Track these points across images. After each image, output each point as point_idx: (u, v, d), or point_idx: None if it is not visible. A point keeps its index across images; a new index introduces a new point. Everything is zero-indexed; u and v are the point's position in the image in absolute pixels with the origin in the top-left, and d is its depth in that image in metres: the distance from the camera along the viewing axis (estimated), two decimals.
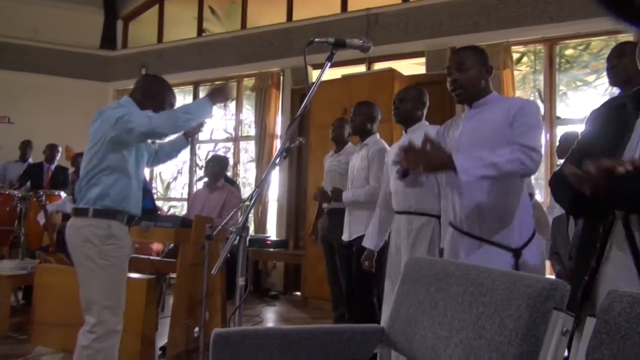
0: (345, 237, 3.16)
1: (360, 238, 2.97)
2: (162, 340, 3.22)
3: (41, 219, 4.25)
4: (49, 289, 3.30)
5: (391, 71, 4.68)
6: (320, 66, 1.63)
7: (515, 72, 4.96)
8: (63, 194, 5.09)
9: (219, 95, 2.18)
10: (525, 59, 5.24)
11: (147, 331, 2.99)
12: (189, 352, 3.14)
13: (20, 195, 5.18)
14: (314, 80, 1.61)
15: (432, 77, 4.79)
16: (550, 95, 4.79)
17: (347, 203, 3.15)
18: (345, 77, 4.98)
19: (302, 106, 1.54)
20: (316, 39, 1.56)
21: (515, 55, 5.02)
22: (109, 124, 2.02)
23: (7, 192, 5.29)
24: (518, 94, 4.95)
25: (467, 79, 1.86)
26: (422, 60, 5.26)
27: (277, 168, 1.66)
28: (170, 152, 2.49)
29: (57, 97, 6.90)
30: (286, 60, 6.04)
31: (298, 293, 5.48)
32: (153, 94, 2.19)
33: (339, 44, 1.60)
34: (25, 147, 6.12)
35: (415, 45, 5.27)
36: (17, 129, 6.85)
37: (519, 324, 0.90)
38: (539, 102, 4.85)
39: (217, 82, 7.04)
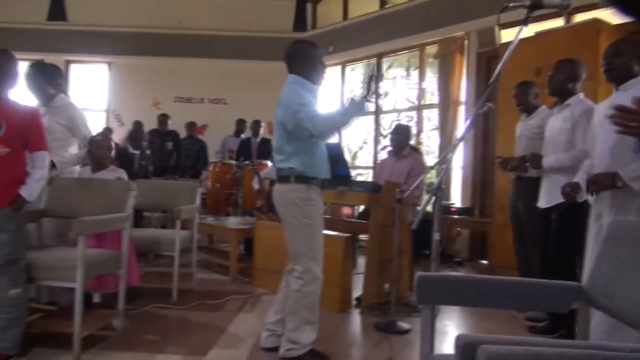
0: (543, 203, 2.97)
1: (561, 205, 2.79)
2: (355, 292, 3.60)
3: (255, 184, 5.04)
4: (265, 241, 3.95)
5: (596, 22, 4.12)
6: (509, 25, 1.63)
7: None
8: (269, 163, 5.91)
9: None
10: None
11: (344, 282, 3.40)
12: (381, 304, 3.46)
13: (237, 164, 6.21)
14: (502, 41, 1.62)
15: None
16: None
17: (548, 169, 2.93)
18: (539, 34, 4.59)
19: (497, 71, 1.58)
20: (511, 4, 1.57)
21: None
22: (289, 114, 2.33)
23: (227, 162, 6.38)
24: None
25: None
26: None
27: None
28: None
29: (260, 78, 7.88)
30: (471, 22, 5.78)
31: (484, 261, 5.41)
32: (307, 57, 2.45)
33: (536, 6, 1.57)
34: (240, 123, 7.20)
35: None
36: (231, 109, 8.10)
37: None
38: None
39: (399, 53, 7.19)
